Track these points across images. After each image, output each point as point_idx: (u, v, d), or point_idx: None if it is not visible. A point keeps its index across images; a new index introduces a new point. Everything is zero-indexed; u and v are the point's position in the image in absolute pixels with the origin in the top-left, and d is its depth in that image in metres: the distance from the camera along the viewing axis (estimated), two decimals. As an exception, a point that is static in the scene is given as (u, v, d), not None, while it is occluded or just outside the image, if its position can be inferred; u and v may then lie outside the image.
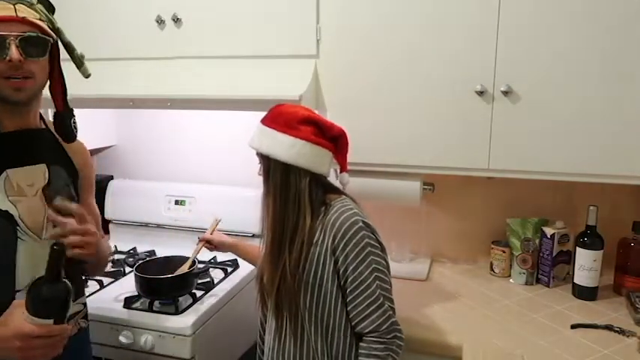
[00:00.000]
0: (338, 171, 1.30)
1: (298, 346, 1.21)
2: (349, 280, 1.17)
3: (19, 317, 0.93)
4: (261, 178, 1.24)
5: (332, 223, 1.17)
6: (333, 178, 1.30)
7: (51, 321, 0.94)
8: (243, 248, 1.59)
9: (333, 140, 1.23)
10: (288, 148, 1.17)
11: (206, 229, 1.66)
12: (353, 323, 1.19)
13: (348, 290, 1.17)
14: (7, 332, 0.92)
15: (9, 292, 1.05)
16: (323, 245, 1.18)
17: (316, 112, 1.32)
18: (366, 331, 1.17)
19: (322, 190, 1.23)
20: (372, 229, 1.19)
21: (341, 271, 1.17)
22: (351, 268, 1.16)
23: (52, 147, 1.16)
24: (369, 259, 1.16)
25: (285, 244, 1.18)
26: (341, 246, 1.16)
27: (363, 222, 1.17)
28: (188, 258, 1.65)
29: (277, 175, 1.19)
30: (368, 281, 1.15)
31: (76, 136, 1.18)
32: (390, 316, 1.17)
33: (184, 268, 1.60)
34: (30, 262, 1.07)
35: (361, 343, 1.19)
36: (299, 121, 1.19)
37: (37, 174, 1.10)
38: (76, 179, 1.21)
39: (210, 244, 1.61)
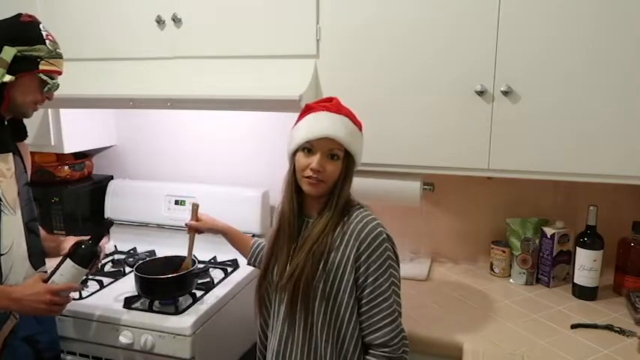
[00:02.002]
0: None
1: (306, 352, 1.19)
2: (367, 290, 1.15)
3: (42, 284, 1.27)
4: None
5: (358, 232, 1.16)
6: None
7: (86, 270, 1.33)
8: (236, 234, 1.54)
9: None
10: (361, 151, 1.22)
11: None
12: (364, 333, 1.17)
13: (365, 301, 1.16)
14: (40, 288, 1.25)
15: None
16: (345, 253, 1.16)
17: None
18: (377, 342, 1.15)
19: None
20: (392, 242, 1.19)
21: (360, 281, 1.16)
22: (371, 279, 1.15)
23: (11, 141, 1.40)
24: (388, 272, 1.15)
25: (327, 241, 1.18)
26: (364, 256, 1.15)
27: (387, 234, 1.17)
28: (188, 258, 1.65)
29: (352, 178, 1.22)
30: (386, 294, 1.15)
31: (25, 136, 1.45)
32: (401, 331, 1.16)
33: (188, 266, 1.57)
34: (8, 231, 1.30)
35: (368, 357, 1.17)
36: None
37: (10, 160, 1.35)
38: (26, 169, 1.44)
39: (198, 231, 1.55)
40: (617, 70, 1.38)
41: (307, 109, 1.22)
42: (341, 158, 1.17)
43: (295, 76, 1.58)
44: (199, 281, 1.67)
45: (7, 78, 1.23)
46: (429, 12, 1.49)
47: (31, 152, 2.03)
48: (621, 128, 1.40)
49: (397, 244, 1.91)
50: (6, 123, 1.37)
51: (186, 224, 1.54)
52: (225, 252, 1.87)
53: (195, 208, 1.55)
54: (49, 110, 1.95)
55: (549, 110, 1.45)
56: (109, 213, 2.16)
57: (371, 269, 1.15)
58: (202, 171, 2.19)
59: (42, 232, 1.49)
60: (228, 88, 1.60)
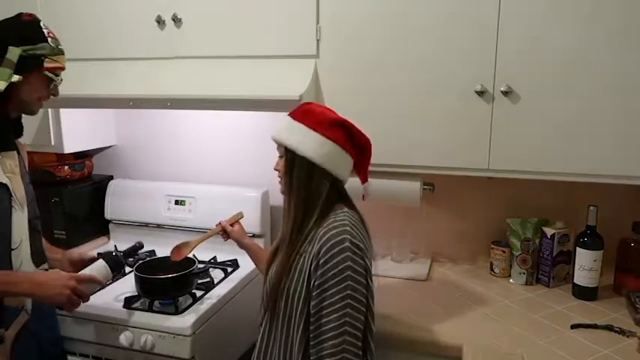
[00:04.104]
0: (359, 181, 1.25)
1: (283, 353, 1.15)
2: (316, 300, 1.07)
3: (66, 273, 1.33)
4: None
5: (320, 237, 1.09)
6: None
7: (112, 275, 1.46)
8: (259, 253, 1.53)
9: (358, 148, 1.20)
10: (318, 147, 1.13)
11: (207, 230, 1.65)
12: (310, 344, 1.09)
13: (313, 311, 1.08)
14: (65, 274, 1.31)
15: (7, 250, 1.30)
16: (309, 257, 1.11)
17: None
18: (313, 358, 1.07)
19: (336, 196, 1.18)
20: (361, 253, 1.09)
21: (313, 285, 1.09)
22: (323, 287, 1.07)
23: (13, 139, 1.43)
24: (344, 284, 1.05)
25: (300, 244, 1.14)
26: (321, 262, 1.07)
27: (352, 242, 1.07)
28: (188, 259, 1.65)
29: (303, 172, 1.15)
30: (335, 307, 1.05)
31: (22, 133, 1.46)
32: (344, 350, 1.04)
33: (191, 246, 1.59)
34: (18, 227, 1.33)
35: None
36: (332, 122, 1.16)
37: (15, 157, 1.38)
38: (26, 168, 1.46)
39: (226, 234, 1.56)
40: (617, 69, 1.38)
41: None
42: (287, 156, 1.19)
43: (295, 76, 1.58)
44: (199, 281, 1.67)
45: (15, 78, 1.25)
46: (430, 12, 1.49)
47: (31, 152, 2.05)
48: (621, 128, 1.40)
49: (398, 244, 1.93)
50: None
51: (220, 222, 1.58)
52: (225, 252, 1.87)
53: (238, 216, 1.60)
54: (49, 110, 1.95)
55: (549, 110, 1.45)
56: (109, 213, 2.16)
57: (324, 277, 1.06)
58: (202, 171, 2.19)
59: (45, 242, 1.47)
60: (228, 88, 1.60)
